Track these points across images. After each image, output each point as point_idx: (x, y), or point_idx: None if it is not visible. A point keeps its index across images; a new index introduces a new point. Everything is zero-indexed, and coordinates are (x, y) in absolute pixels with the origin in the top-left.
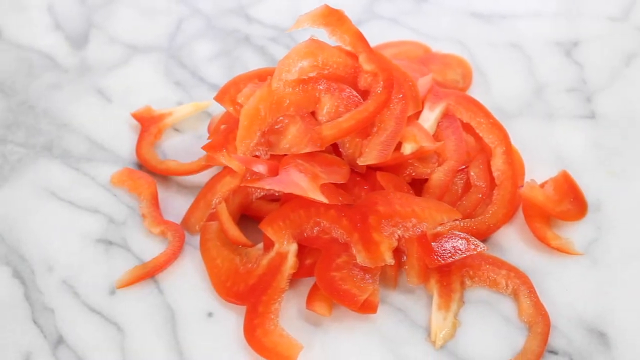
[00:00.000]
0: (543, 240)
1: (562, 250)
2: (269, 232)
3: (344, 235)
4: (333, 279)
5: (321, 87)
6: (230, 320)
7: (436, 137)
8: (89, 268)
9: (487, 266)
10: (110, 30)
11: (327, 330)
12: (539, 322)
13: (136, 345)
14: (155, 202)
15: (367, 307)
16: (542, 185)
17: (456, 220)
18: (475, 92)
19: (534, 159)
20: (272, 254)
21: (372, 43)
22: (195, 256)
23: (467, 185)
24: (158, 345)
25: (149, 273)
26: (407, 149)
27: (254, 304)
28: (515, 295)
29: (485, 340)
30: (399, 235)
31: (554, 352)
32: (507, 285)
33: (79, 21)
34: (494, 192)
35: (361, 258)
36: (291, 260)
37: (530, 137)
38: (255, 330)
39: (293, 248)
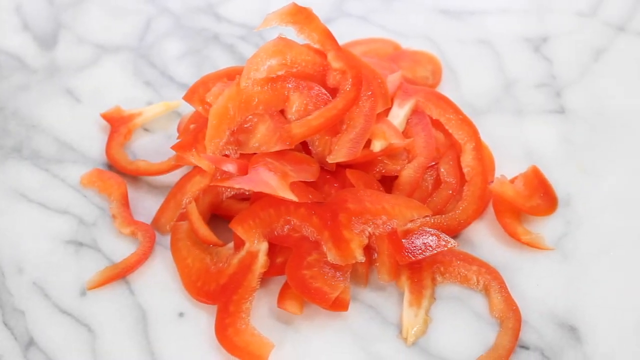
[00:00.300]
0: (514, 236)
1: (533, 245)
2: (239, 231)
3: (314, 233)
4: (304, 278)
5: (290, 86)
6: (201, 319)
7: (406, 133)
8: (60, 269)
9: (458, 262)
10: (79, 30)
11: (299, 329)
12: (510, 318)
13: (107, 347)
14: (125, 202)
15: (338, 305)
16: (512, 181)
17: (426, 216)
18: (445, 88)
19: (504, 154)
20: (242, 253)
21: (341, 41)
22: (166, 256)
23: (437, 182)
24: (129, 346)
25: (119, 274)
26: (377, 146)
27: (225, 304)
28: (486, 291)
29: (457, 336)
30: (369, 233)
31: (525, 347)
32: (478, 281)
33: (47, 21)
34: (464, 188)
35: (332, 256)
36: (262, 259)
37: (500, 133)
38: (226, 330)
39: (264, 247)
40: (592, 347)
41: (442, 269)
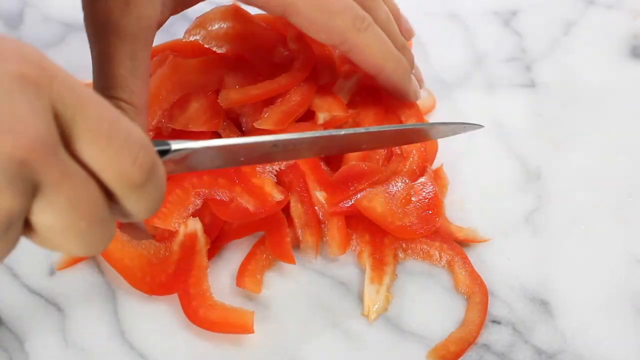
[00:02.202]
0: (449, 235)
1: (469, 240)
2: (158, 223)
3: (226, 193)
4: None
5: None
6: (171, 297)
7: (355, 106)
8: (28, 249)
9: (421, 238)
10: (45, 8)
11: (268, 306)
12: (477, 292)
13: (77, 326)
14: None
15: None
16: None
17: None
18: (415, 62)
19: None
20: (180, 237)
21: None
22: None
23: (390, 154)
24: (99, 325)
25: None
26: (321, 118)
27: (185, 289)
28: (450, 267)
29: (429, 311)
30: (276, 172)
31: (496, 322)
32: (440, 257)
33: (12, 0)
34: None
35: (251, 205)
36: (202, 238)
37: (470, 107)
38: (198, 311)
39: (198, 225)
40: (564, 321)
41: (404, 245)
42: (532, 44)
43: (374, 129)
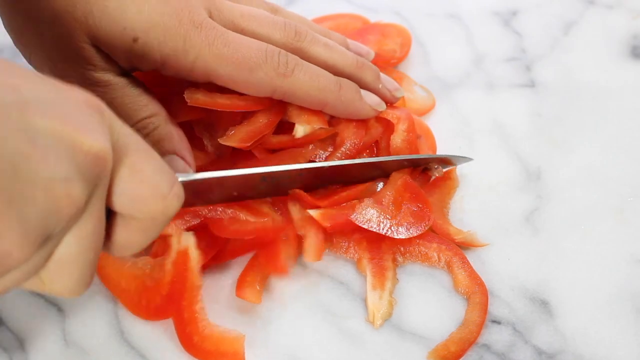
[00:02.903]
0: (447, 237)
1: (467, 243)
2: None
3: (225, 212)
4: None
5: None
6: None
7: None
8: None
9: (418, 241)
10: None
11: (270, 307)
12: (477, 292)
13: (77, 326)
14: None
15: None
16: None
17: None
18: (414, 63)
19: (475, 129)
20: (172, 255)
21: (309, 17)
22: None
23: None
24: (99, 325)
25: None
26: (300, 130)
27: (179, 312)
28: (449, 268)
29: (428, 312)
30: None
31: (497, 321)
32: (439, 259)
33: None
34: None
35: (251, 220)
36: (194, 254)
37: (470, 107)
38: (192, 339)
39: (191, 240)
40: (564, 321)
41: (402, 249)
42: (532, 44)
43: (361, 160)
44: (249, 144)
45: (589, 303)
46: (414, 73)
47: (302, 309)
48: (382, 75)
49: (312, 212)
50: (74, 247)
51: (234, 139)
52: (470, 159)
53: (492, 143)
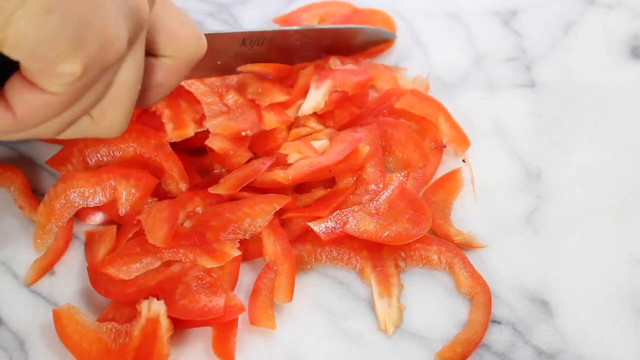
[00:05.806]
0: (446, 238)
1: (466, 245)
2: (112, 272)
3: (187, 257)
4: (184, 307)
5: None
6: None
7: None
8: (28, 249)
9: (417, 245)
10: None
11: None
12: (480, 292)
13: None
14: (28, 191)
15: (234, 312)
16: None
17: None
18: (414, 63)
19: (475, 129)
20: (142, 321)
21: (298, 5)
22: None
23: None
24: None
25: (51, 262)
26: (292, 159)
27: None
28: (450, 269)
29: (432, 313)
30: (240, 239)
31: (497, 322)
32: (440, 261)
33: None
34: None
35: (207, 262)
36: (165, 323)
37: (470, 107)
38: None
39: (162, 309)
40: (564, 321)
41: (403, 254)
42: (532, 44)
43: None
44: (236, 191)
45: (589, 303)
46: (414, 73)
47: (302, 309)
48: None
49: (313, 225)
50: (131, 74)
51: (223, 187)
52: (395, 36)
53: (492, 143)
